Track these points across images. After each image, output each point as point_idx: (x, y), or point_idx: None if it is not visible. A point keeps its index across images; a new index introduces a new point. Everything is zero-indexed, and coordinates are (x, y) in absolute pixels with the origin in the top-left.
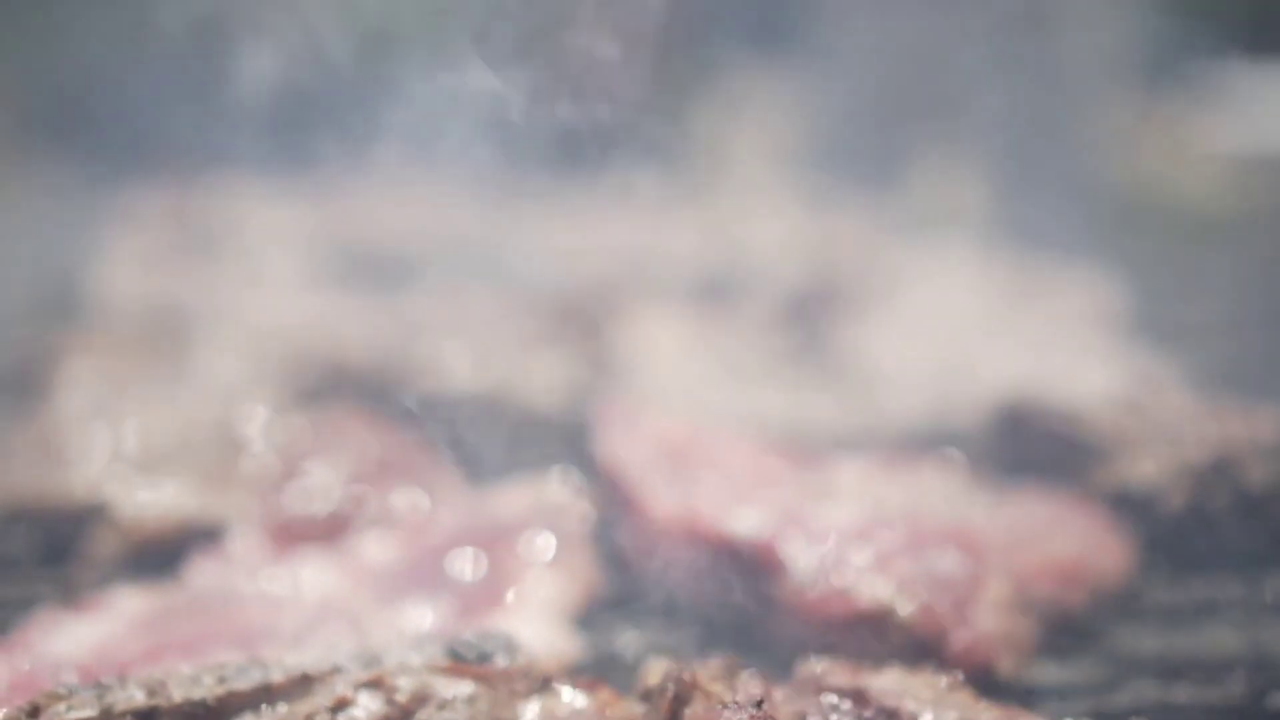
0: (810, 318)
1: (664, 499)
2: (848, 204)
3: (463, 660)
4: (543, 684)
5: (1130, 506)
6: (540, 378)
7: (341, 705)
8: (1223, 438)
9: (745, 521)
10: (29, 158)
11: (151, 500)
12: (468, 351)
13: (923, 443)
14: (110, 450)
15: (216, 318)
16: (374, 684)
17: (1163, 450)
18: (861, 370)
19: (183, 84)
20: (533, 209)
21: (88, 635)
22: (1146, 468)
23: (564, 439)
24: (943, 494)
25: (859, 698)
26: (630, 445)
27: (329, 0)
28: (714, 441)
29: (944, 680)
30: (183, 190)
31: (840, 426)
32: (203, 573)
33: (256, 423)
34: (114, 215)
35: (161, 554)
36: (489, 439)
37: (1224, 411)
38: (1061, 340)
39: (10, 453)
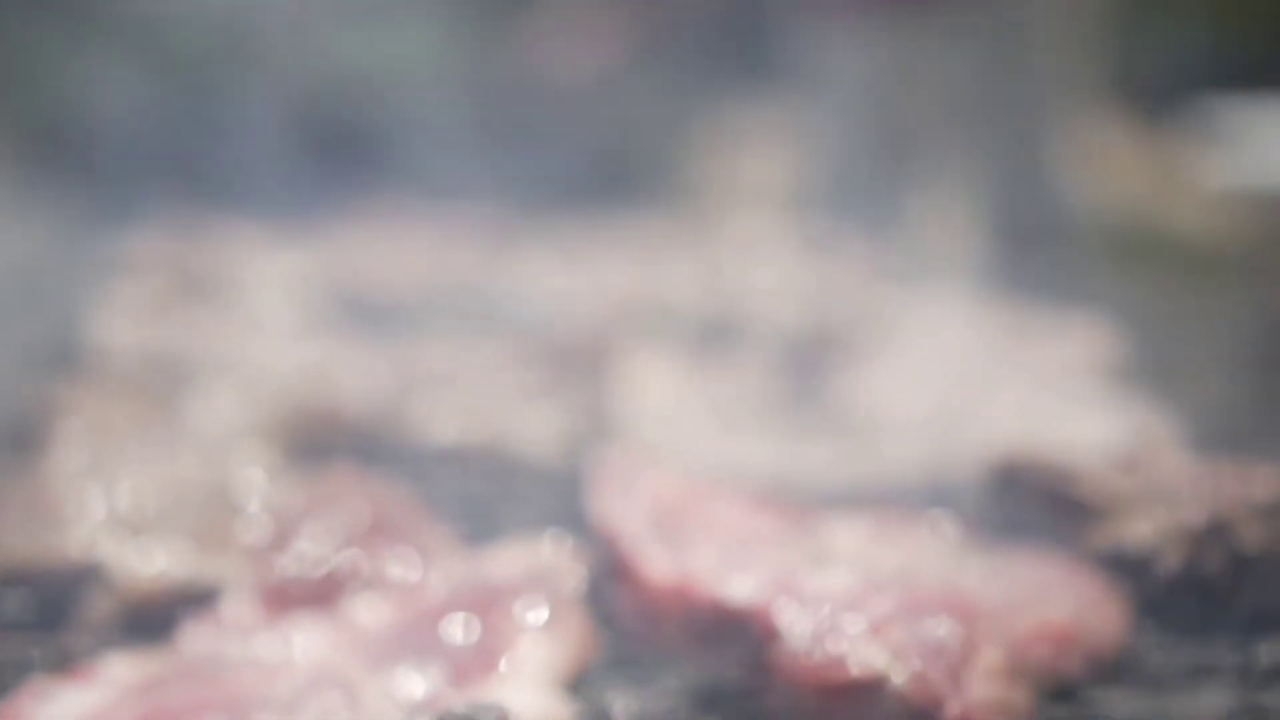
0: (805, 365)
1: (658, 564)
2: (843, 248)
3: None
4: None
5: (1125, 568)
6: (535, 428)
7: None
8: (1218, 498)
9: (740, 588)
10: (25, 201)
11: (145, 562)
12: (463, 402)
13: (917, 498)
14: (104, 511)
15: (212, 368)
16: None
17: (1157, 511)
18: (855, 421)
19: (181, 129)
20: (529, 252)
21: (79, 704)
22: (1141, 529)
23: (559, 492)
24: (937, 556)
25: None
26: (623, 507)
27: (326, 44)
28: (708, 500)
29: None
30: (181, 237)
31: (834, 480)
32: (196, 638)
33: (251, 483)
34: (112, 262)
35: (155, 617)
36: (483, 493)
37: (1220, 470)
38: (1056, 391)
39: (1, 512)
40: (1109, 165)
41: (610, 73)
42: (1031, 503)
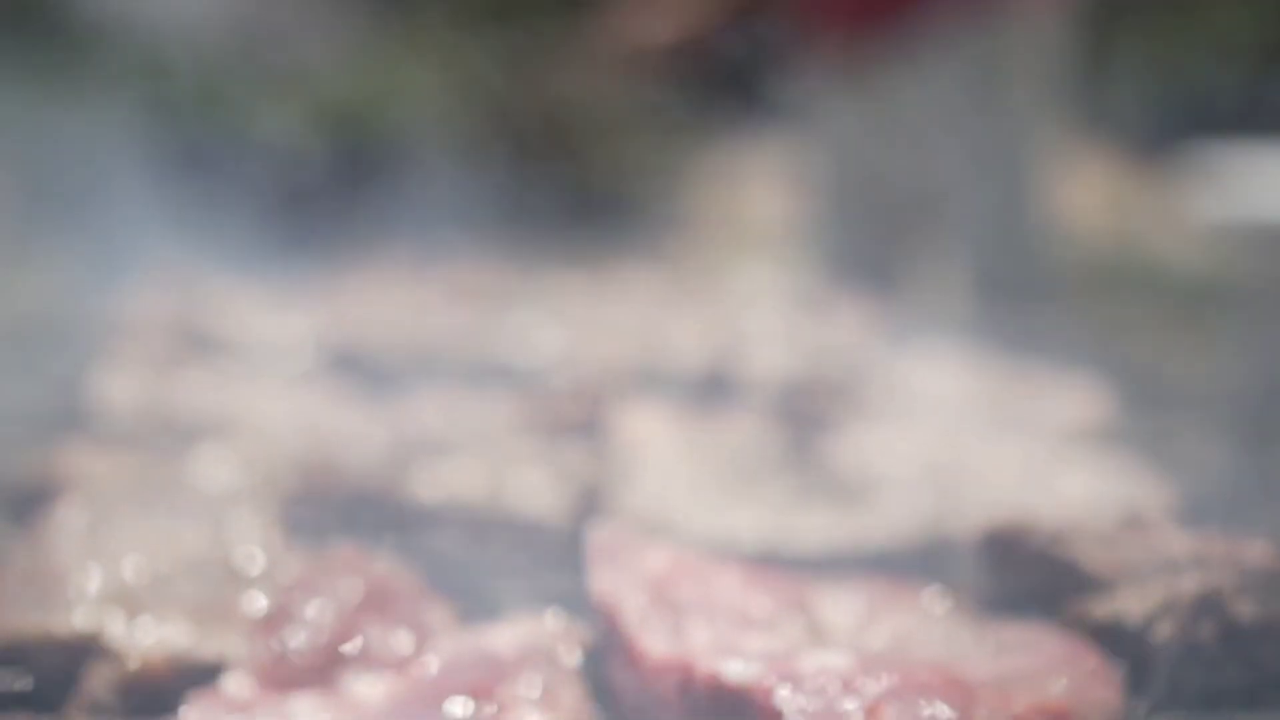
0: (800, 421)
1: (656, 643)
2: (836, 301)
3: None
4: None
5: (1118, 640)
6: (533, 487)
7: None
8: (1210, 571)
9: (738, 668)
10: (26, 262)
11: (145, 638)
12: (460, 461)
13: (912, 564)
14: (104, 585)
15: (212, 429)
16: None
17: (1150, 583)
18: (849, 481)
19: (179, 189)
20: (526, 306)
21: None
22: (1133, 601)
23: (558, 558)
24: (932, 630)
25: None
26: (622, 583)
27: (325, 99)
28: (705, 575)
29: None
30: (179, 297)
31: (829, 546)
32: (197, 715)
33: (252, 557)
34: (111, 322)
35: (155, 693)
36: (481, 560)
37: (1211, 540)
38: (1049, 453)
39: (0, 585)
40: (1095, 200)
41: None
42: (1025, 571)
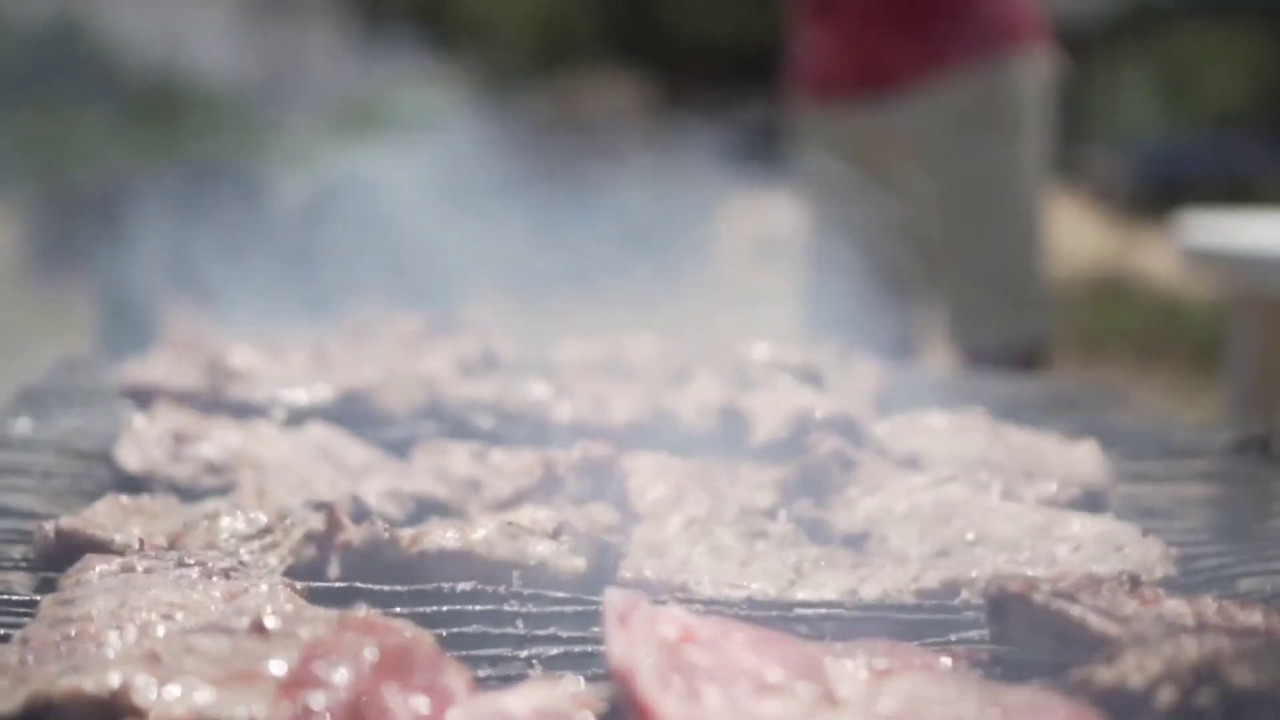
0: (808, 485)
1: (671, 707)
2: (847, 361)
3: None
4: None
5: (1121, 706)
6: (551, 550)
7: None
8: (1211, 636)
9: None
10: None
11: (171, 697)
12: (476, 521)
13: (920, 627)
14: (131, 646)
15: (230, 490)
16: None
17: (1150, 650)
18: (856, 545)
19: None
20: (540, 365)
21: None
22: (1135, 666)
23: (575, 620)
24: (940, 696)
25: None
26: (637, 647)
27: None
28: (719, 641)
29: None
30: (190, 357)
31: (839, 608)
32: None
33: (273, 616)
34: (126, 384)
35: None
36: (498, 618)
37: (1211, 607)
38: (1050, 518)
39: (27, 646)
40: (1085, 228)
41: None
42: (1029, 632)
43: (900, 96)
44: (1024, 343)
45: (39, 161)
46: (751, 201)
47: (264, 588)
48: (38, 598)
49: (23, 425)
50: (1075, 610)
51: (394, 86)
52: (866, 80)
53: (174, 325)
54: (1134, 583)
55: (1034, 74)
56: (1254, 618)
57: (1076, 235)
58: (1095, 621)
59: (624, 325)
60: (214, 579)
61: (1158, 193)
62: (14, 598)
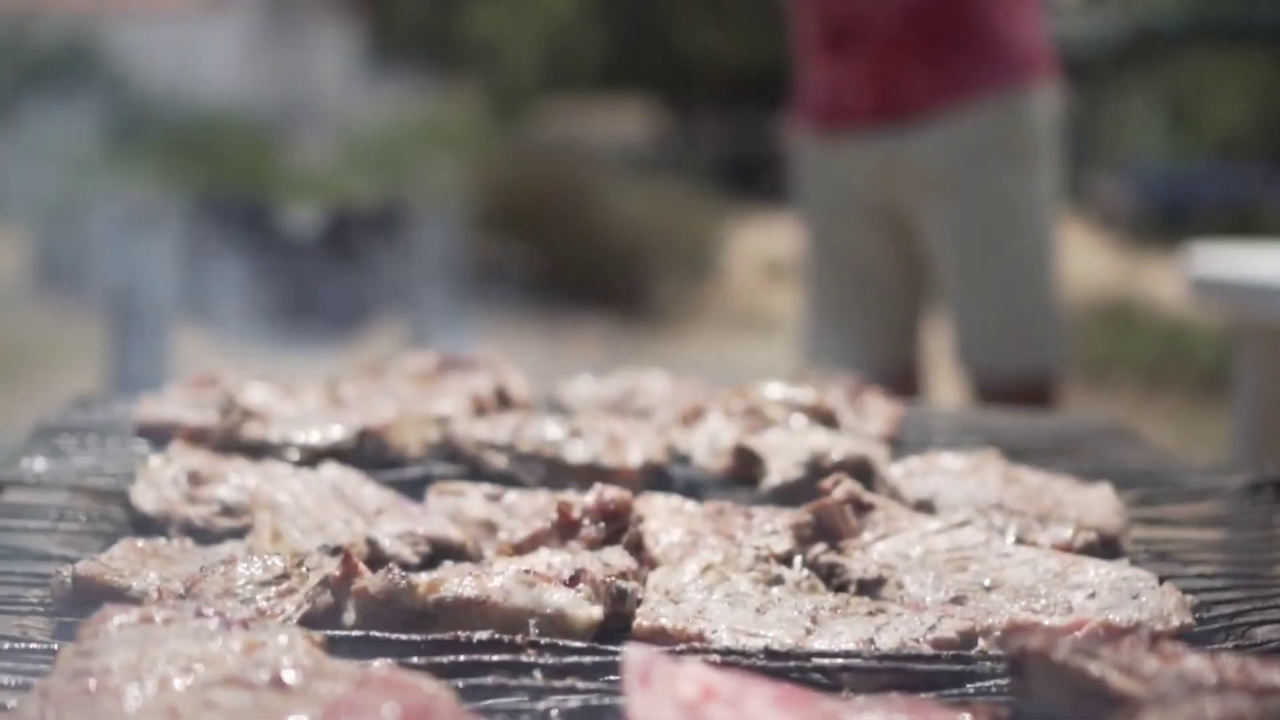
0: (823, 531)
1: None
2: (857, 402)
3: None
4: None
5: None
6: (568, 600)
7: None
8: (1232, 696)
9: None
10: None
11: None
12: (492, 569)
13: (937, 678)
14: (147, 701)
15: (244, 535)
16: None
17: (1173, 707)
18: (872, 592)
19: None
20: (553, 405)
21: None
22: None
23: (592, 671)
24: None
25: None
26: (658, 706)
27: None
28: (738, 699)
29: None
30: (203, 396)
31: (857, 659)
32: None
33: (293, 670)
34: (145, 422)
35: None
36: (517, 667)
37: (1232, 664)
38: (1067, 565)
39: (47, 700)
40: (1090, 254)
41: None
42: (1048, 687)
43: (919, 126)
44: (1039, 372)
45: (50, 183)
46: (760, 223)
47: (283, 639)
48: (55, 645)
49: (37, 464)
50: (1096, 668)
51: (403, 109)
52: (885, 110)
53: (184, 350)
54: (1154, 638)
55: (1049, 104)
56: (1275, 676)
57: (1082, 261)
58: (1116, 679)
59: (633, 348)
60: (233, 629)
61: (1163, 219)
62: (32, 645)
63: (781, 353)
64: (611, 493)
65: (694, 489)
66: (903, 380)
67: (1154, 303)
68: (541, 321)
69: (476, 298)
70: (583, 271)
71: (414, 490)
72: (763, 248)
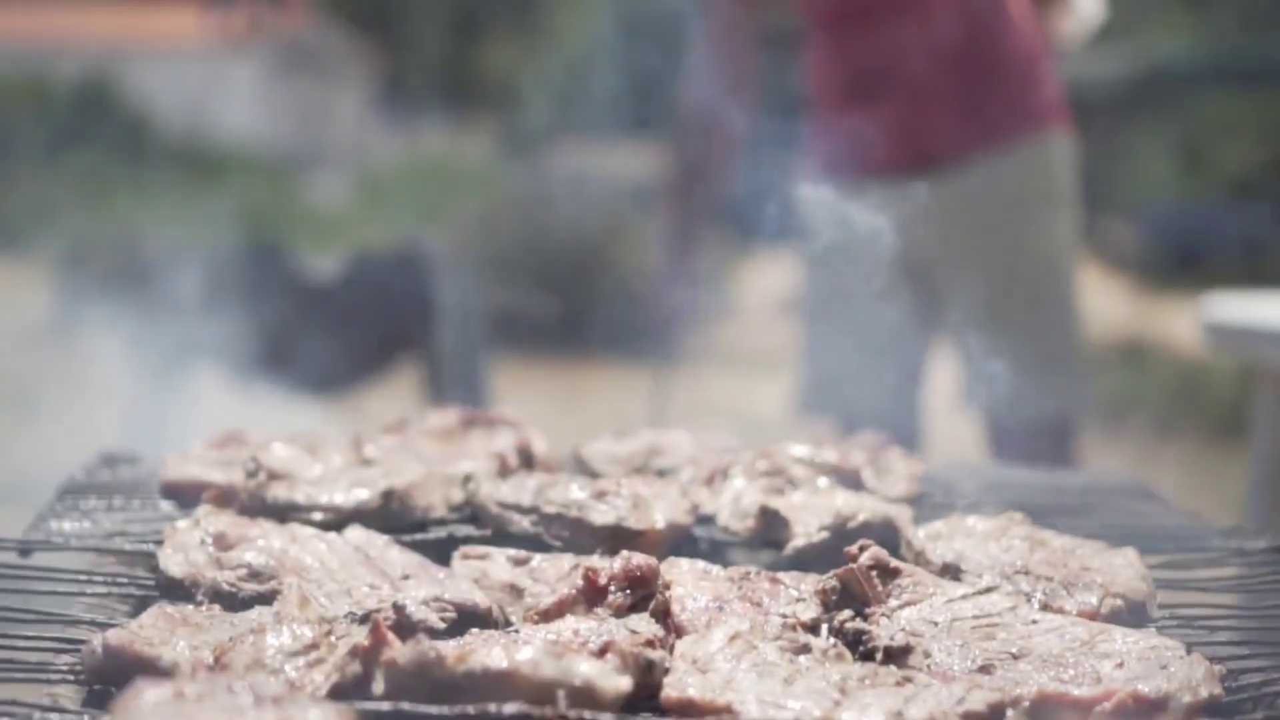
0: (849, 598)
1: None
2: (879, 462)
3: None
4: None
5: None
6: (596, 670)
7: None
8: None
9: None
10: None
11: None
12: (519, 638)
13: None
14: None
15: (272, 602)
16: None
17: None
18: (899, 659)
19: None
20: (571, 466)
21: None
22: None
23: None
24: None
25: None
26: None
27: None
28: None
29: None
30: (237, 458)
31: None
32: None
33: None
34: (171, 485)
35: None
36: None
37: None
38: (1094, 634)
39: None
40: (1101, 296)
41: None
42: None
43: (947, 173)
44: (1065, 416)
45: (69, 221)
46: (767, 261)
47: (314, 714)
48: (87, 716)
49: (64, 525)
50: None
51: (418, 148)
52: (914, 158)
53: (202, 388)
54: (1179, 710)
55: (1069, 148)
56: None
57: (1095, 303)
58: None
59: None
60: (265, 706)
61: (1175, 261)
62: (64, 715)
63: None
64: (638, 559)
65: (719, 549)
66: (903, 425)
67: (1167, 344)
68: (555, 361)
69: (492, 338)
70: (595, 310)
71: (438, 552)
72: (771, 285)
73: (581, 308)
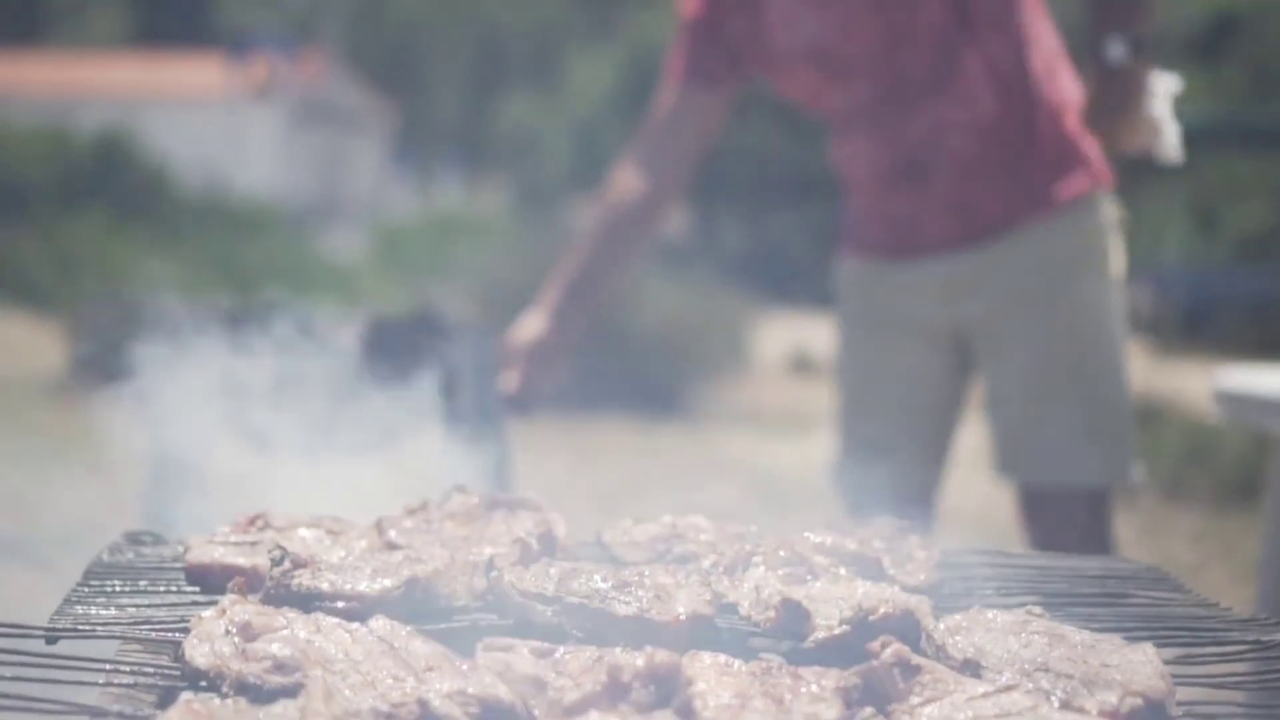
0: (871, 695)
1: None
2: (897, 548)
3: None
4: None
5: None
6: None
7: None
8: None
9: None
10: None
11: None
12: None
13: None
14: None
15: (297, 689)
16: None
17: None
18: None
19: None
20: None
21: None
22: None
23: None
24: None
25: None
26: None
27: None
28: None
29: None
30: (258, 523)
31: None
32: None
33: None
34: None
35: None
36: None
37: None
38: None
39: None
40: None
41: None
42: None
43: (996, 243)
44: (1110, 482)
45: (87, 276)
46: (786, 319)
47: None
48: None
49: (90, 611)
50: None
51: (434, 201)
52: (962, 233)
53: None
54: None
55: (1112, 210)
56: None
57: None
58: None
59: (665, 446)
60: None
61: (1186, 323)
62: None
63: (812, 451)
64: (661, 655)
65: (740, 638)
66: (925, 492)
67: (1178, 406)
68: (573, 420)
69: (509, 398)
70: (613, 367)
71: (461, 640)
72: (790, 343)
73: (597, 365)
